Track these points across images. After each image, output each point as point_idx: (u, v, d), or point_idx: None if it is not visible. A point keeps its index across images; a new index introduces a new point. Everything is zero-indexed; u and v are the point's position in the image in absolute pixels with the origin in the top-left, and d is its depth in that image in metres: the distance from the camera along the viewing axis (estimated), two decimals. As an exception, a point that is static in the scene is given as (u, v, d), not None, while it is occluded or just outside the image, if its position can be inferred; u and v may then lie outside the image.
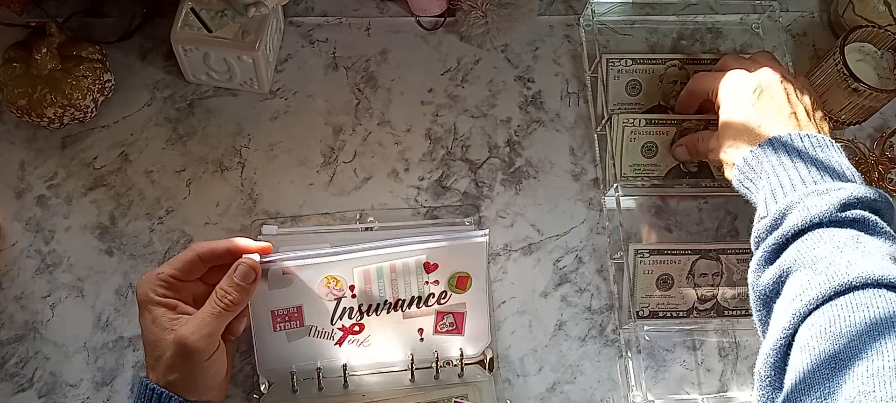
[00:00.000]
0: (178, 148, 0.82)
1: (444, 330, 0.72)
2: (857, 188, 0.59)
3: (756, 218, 0.63)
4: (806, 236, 0.58)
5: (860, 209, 0.58)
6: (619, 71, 0.88)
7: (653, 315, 0.79)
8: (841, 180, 0.61)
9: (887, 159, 0.89)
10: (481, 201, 0.83)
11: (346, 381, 0.72)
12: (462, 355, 0.73)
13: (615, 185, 0.81)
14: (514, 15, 0.88)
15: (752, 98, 0.70)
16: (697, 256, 0.80)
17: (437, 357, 0.73)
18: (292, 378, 0.71)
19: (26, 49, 0.77)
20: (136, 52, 0.86)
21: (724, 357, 0.79)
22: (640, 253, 0.79)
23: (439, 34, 0.90)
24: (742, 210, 0.86)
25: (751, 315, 0.80)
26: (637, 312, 0.78)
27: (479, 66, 0.89)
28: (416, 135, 0.85)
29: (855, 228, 0.58)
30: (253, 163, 0.82)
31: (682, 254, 0.80)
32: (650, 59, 0.88)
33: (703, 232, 0.84)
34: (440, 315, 0.72)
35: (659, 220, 0.84)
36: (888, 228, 0.58)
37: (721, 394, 0.77)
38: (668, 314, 0.79)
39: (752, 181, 0.66)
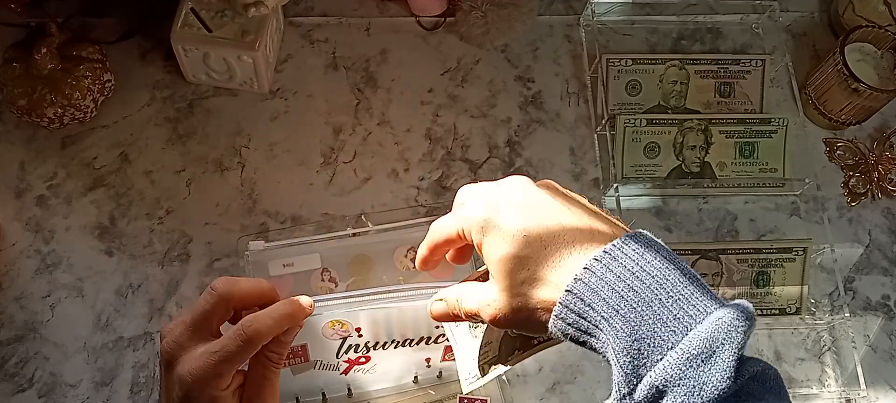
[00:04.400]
0: (178, 148, 0.82)
1: (453, 358, 0.71)
2: (725, 318, 0.39)
3: (615, 387, 0.41)
4: None
5: (751, 361, 0.40)
6: (619, 71, 0.88)
7: (653, 315, 0.79)
8: (695, 307, 0.40)
9: (887, 159, 0.89)
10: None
11: (350, 393, 0.72)
12: None
13: (615, 185, 0.81)
14: (514, 15, 0.88)
15: (518, 212, 0.46)
16: (697, 256, 0.80)
17: (441, 373, 0.73)
18: (296, 399, 0.71)
19: (26, 49, 0.77)
20: (136, 52, 0.86)
21: (725, 358, 0.79)
22: (641, 253, 0.79)
23: (439, 34, 0.90)
24: (742, 210, 0.86)
25: (751, 315, 0.80)
26: (637, 312, 0.78)
27: (479, 66, 0.89)
28: (416, 135, 0.85)
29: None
30: (253, 163, 0.82)
31: (682, 254, 0.80)
32: (650, 59, 0.88)
33: (703, 232, 0.84)
34: (449, 348, 0.69)
35: (659, 220, 0.84)
36: (783, 383, 0.42)
37: (721, 394, 0.77)
38: (669, 314, 0.79)
39: (585, 328, 0.43)
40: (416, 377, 0.72)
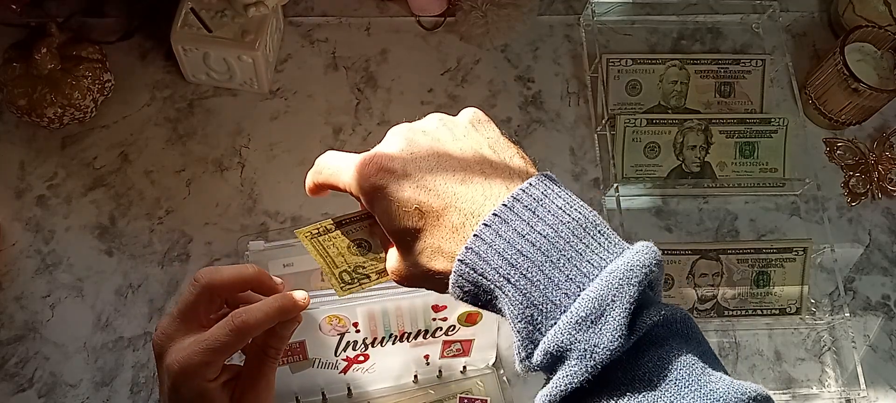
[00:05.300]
0: (178, 148, 0.82)
1: (451, 355, 0.71)
2: (616, 273, 0.38)
3: (515, 350, 0.40)
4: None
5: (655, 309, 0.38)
6: (619, 71, 0.88)
7: (653, 315, 0.79)
8: (597, 258, 0.39)
9: (887, 159, 0.89)
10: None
11: (350, 392, 0.72)
12: (465, 366, 0.73)
13: (615, 185, 0.81)
14: (514, 15, 0.88)
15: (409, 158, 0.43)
16: (697, 256, 0.80)
17: (441, 371, 0.73)
18: (296, 399, 0.71)
19: (26, 49, 0.77)
20: (136, 52, 0.86)
21: (725, 357, 0.79)
22: (641, 253, 0.79)
23: (439, 34, 0.90)
24: (742, 210, 0.86)
25: (751, 315, 0.80)
26: (637, 312, 0.78)
27: (479, 66, 0.89)
28: (417, 135, 0.85)
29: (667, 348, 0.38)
30: (253, 163, 0.82)
31: (682, 254, 0.80)
32: (650, 59, 0.88)
33: (703, 232, 0.84)
34: (447, 344, 0.70)
35: (659, 220, 0.84)
36: (694, 326, 0.40)
37: (721, 394, 0.77)
38: (669, 314, 0.79)
39: (482, 296, 0.41)
40: (415, 376, 0.72)
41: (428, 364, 0.71)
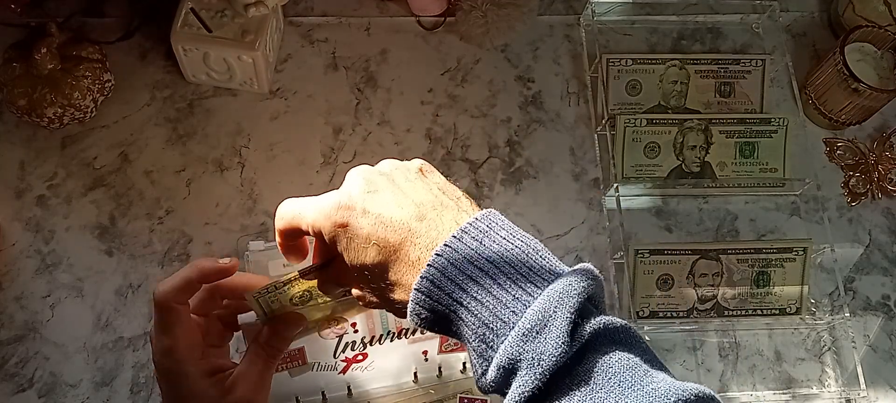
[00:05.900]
0: (178, 148, 0.82)
1: (449, 349, 0.71)
2: (557, 288, 0.42)
3: (473, 369, 0.44)
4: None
5: (595, 318, 0.42)
6: (619, 71, 0.88)
7: (653, 315, 0.79)
8: (539, 279, 0.43)
9: (887, 159, 0.89)
10: (481, 201, 0.83)
11: (350, 392, 0.72)
12: (465, 364, 0.73)
13: (615, 185, 0.81)
14: (514, 15, 0.88)
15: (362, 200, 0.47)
16: (697, 256, 0.80)
17: (441, 370, 0.73)
18: (296, 399, 0.71)
19: (26, 49, 0.77)
20: (136, 52, 0.86)
21: (725, 357, 0.79)
22: (641, 254, 0.79)
23: (439, 34, 0.90)
24: (742, 210, 0.86)
25: (751, 315, 0.80)
26: (637, 312, 0.78)
27: (479, 65, 0.89)
28: (416, 135, 0.85)
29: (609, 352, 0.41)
30: (253, 163, 0.82)
31: (682, 254, 0.80)
32: (650, 59, 0.88)
33: (703, 232, 0.84)
34: (445, 338, 0.70)
35: (659, 220, 0.84)
36: (635, 334, 0.43)
37: (721, 394, 0.77)
38: (668, 314, 0.79)
39: (439, 321, 0.45)
40: (415, 375, 0.72)
41: (426, 360, 0.71)
